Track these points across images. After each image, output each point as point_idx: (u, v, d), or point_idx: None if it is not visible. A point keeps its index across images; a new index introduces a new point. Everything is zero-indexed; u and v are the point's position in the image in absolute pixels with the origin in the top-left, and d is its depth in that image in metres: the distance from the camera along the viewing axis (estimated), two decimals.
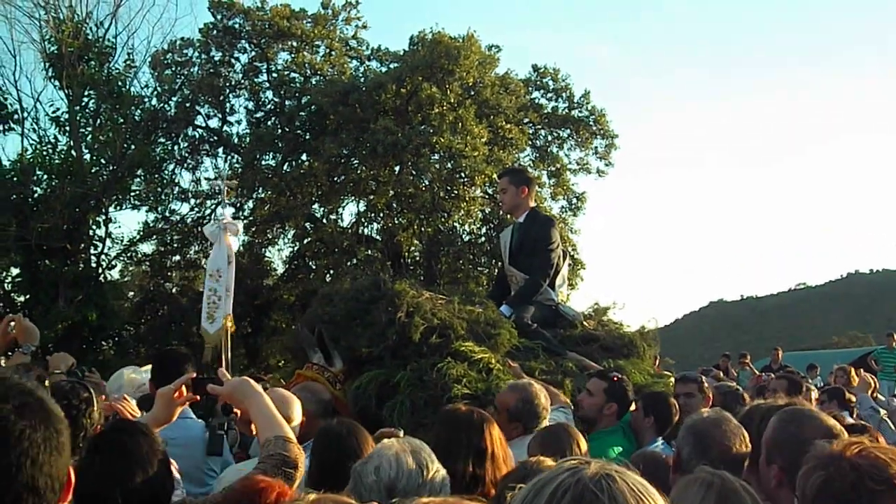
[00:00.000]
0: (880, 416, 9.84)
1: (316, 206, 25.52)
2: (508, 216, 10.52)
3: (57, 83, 23.82)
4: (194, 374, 4.04)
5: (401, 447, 3.29)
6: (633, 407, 6.37)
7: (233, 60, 27.05)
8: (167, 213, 26.72)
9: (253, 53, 27.01)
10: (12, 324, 5.35)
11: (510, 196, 8.54)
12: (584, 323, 8.58)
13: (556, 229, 8.53)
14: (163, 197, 26.37)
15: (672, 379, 7.82)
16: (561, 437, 4.73)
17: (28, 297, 22.94)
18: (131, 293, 28.23)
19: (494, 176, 21.14)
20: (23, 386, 1.75)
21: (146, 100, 25.96)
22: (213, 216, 27.21)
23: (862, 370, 13.58)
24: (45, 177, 23.49)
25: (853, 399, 9.65)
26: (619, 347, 8.10)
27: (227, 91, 27.01)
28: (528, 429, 5.57)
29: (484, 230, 25.23)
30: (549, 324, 8.06)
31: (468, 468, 4.01)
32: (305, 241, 26.31)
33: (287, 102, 26.56)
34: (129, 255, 26.47)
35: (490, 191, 24.53)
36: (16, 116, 23.91)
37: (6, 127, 23.79)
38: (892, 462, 2.54)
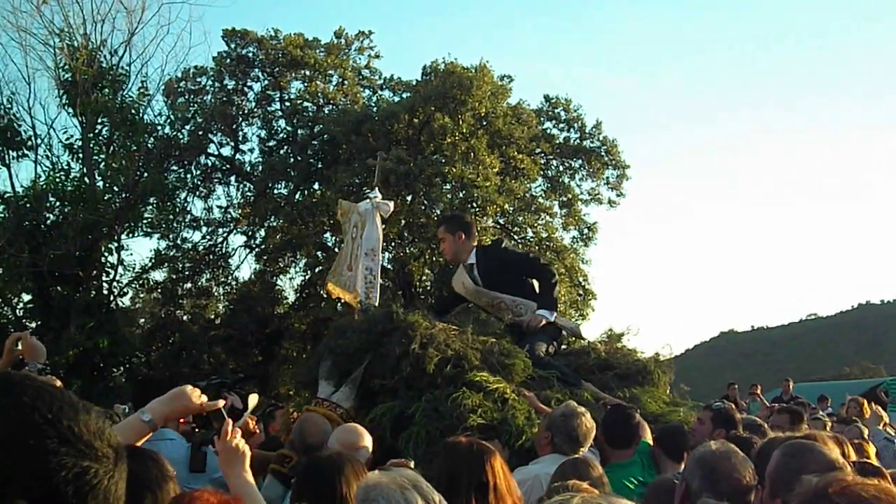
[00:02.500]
0: (895, 446, 9.82)
1: (328, 234, 25.54)
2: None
3: (71, 110, 23.95)
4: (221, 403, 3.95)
5: (400, 483, 3.07)
6: (648, 436, 6.35)
7: (246, 89, 27.23)
8: (179, 241, 26.81)
9: (266, 82, 27.17)
10: (19, 341, 5.34)
11: (448, 244, 8.59)
12: (595, 347, 8.59)
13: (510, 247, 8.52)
14: (175, 225, 26.47)
15: (682, 409, 7.81)
16: (580, 469, 4.73)
17: (39, 323, 22.95)
18: (142, 320, 28.29)
19: (507, 206, 21.13)
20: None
21: (159, 128, 26.12)
22: (224, 242, 27.29)
23: (873, 402, 13.51)
24: (58, 204, 23.57)
25: (865, 431, 9.62)
26: (634, 375, 8.09)
27: (240, 119, 27.16)
28: (558, 448, 5.60)
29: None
30: (551, 338, 8.01)
31: (472, 503, 3.89)
32: (317, 270, 26.30)
33: (300, 131, 26.68)
34: (140, 282, 26.50)
35: (502, 220, 24.59)
36: (29, 143, 24.05)
37: (20, 153, 23.91)
38: (876, 499, 2.50)
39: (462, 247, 8.48)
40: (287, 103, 27.24)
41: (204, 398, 3.63)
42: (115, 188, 24.36)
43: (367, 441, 5.21)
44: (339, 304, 24.54)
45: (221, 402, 3.73)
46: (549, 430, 5.78)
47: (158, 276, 27.06)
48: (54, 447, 1.55)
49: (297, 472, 4.56)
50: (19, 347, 5.33)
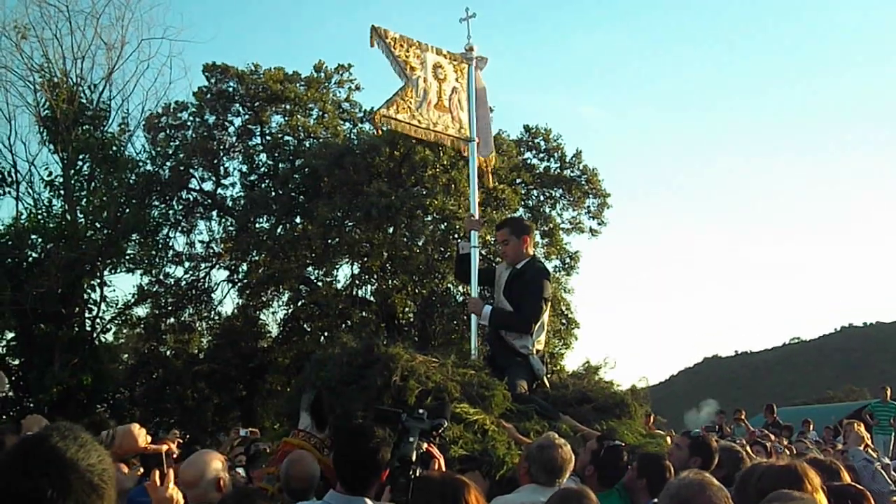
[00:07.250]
0: (874, 466, 9.92)
1: (310, 268, 25.51)
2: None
3: (52, 147, 24.02)
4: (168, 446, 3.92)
5: None
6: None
7: (226, 124, 27.23)
8: (161, 277, 26.76)
9: (247, 116, 27.18)
10: None
11: (513, 246, 8.63)
12: (552, 381, 8.71)
13: (549, 281, 8.57)
14: (157, 260, 26.44)
15: (668, 438, 7.91)
16: (574, 500, 4.79)
17: (23, 360, 22.91)
18: (126, 356, 28.14)
19: (489, 237, 21.19)
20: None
21: (141, 163, 26.14)
22: (207, 276, 27.29)
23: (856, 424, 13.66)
24: (40, 241, 23.57)
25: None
26: (611, 407, 8.16)
27: (221, 154, 27.15)
28: (535, 478, 5.65)
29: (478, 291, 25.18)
30: (531, 377, 8.10)
31: None
32: (300, 304, 26.28)
33: (281, 165, 26.69)
34: (123, 318, 26.46)
35: (484, 251, 24.66)
36: (10, 180, 24.09)
37: (1, 191, 23.94)
38: None
39: (524, 251, 8.60)
40: (268, 137, 27.26)
41: (148, 439, 3.66)
42: (97, 225, 24.38)
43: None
44: (321, 339, 24.55)
45: (164, 447, 3.75)
46: (526, 461, 5.86)
47: (141, 311, 27.09)
48: None
49: None
50: None
